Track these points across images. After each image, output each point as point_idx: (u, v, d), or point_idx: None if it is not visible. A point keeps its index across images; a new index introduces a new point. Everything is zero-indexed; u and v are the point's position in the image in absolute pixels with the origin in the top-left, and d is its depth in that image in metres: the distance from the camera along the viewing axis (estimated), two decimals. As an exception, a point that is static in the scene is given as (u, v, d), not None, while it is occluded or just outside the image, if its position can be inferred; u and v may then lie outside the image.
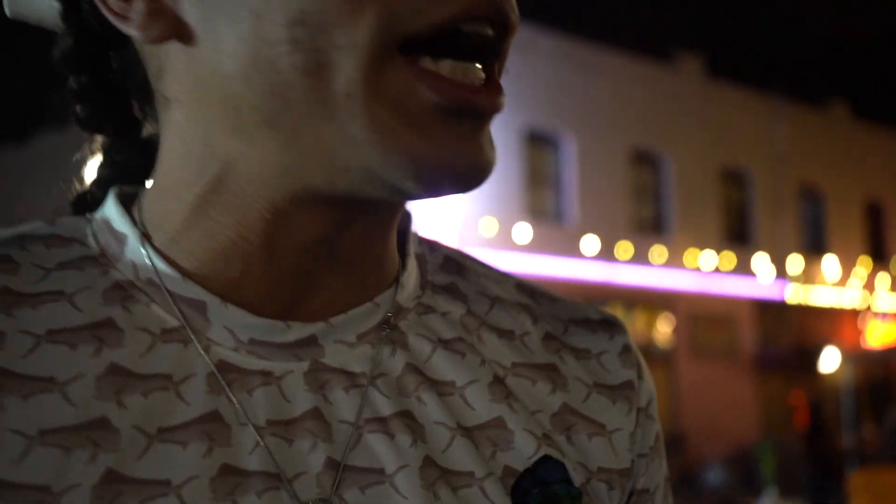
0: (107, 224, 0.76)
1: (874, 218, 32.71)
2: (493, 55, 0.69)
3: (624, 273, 24.32)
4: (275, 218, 0.70)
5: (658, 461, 0.87)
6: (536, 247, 22.27)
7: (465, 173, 0.67)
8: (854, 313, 30.83)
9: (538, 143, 23.62)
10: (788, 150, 29.27)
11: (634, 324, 25.33)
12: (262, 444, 0.68)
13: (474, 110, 0.67)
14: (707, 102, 27.39)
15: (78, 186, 0.91)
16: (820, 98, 32.23)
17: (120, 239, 0.74)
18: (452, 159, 0.66)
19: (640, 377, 0.87)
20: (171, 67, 0.71)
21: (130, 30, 0.70)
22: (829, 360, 27.83)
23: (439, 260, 0.84)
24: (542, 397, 0.79)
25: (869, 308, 31.15)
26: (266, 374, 0.70)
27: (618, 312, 25.09)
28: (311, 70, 0.64)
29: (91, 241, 0.76)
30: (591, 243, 23.56)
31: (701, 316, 26.22)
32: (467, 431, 0.74)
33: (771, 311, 28.06)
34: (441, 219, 21.04)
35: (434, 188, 0.68)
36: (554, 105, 23.76)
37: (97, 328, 0.68)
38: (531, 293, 0.87)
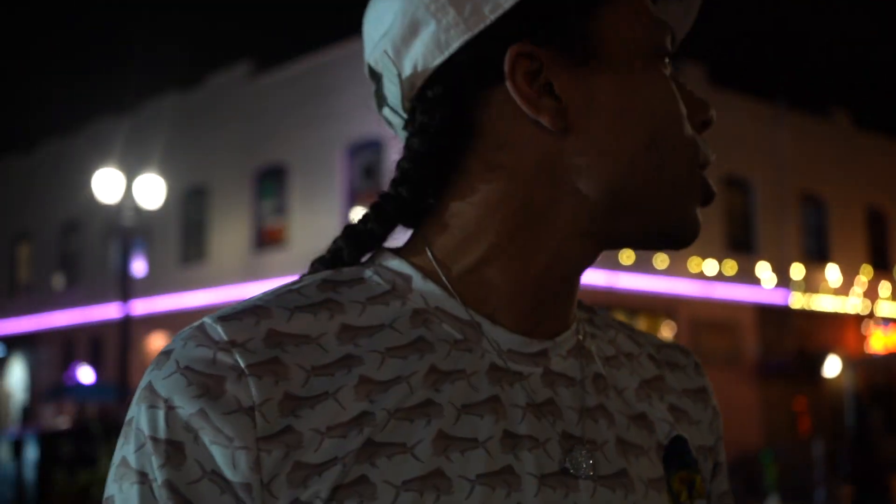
0: (387, 269, 1.06)
1: (876, 225, 32.84)
2: None
3: (626, 280, 24.43)
4: (557, 253, 1.03)
5: (722, 445, 1.22)
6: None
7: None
8: (856, 320, 30.94)
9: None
10: (790, 158, 29.40)
11: (637, 330, 25.45)
12: (527, 418, 1.00)
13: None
14: (709, 110, 27.52)
15: (329, 247, 1.16)
16: (821, 106, 32.37)
17: (405, 278, 1.04)
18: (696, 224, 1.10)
19: (709, 385, 1.23)
20: (521, 143, 1.02)
21: (542, 120, 1.00)
22: (833, 366, 27.99)
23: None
24: (658, 399, 1.14)
25: (871, 314, 31.25)
26: (519, 374, 1.02)
27: (620, 319, 25.23)
28: (656, 169, 1.02)
29: (377, 279, 1.04)
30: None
31: (703, 322, 26.33)
32: (633, 419, 1.08)
33: (773, 318, 28.16)
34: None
35: (686, 241, 1.10)
36: (557, 113, 23.91)
37: (416, 343, 1.00)
38: (622, 325, 1.22)
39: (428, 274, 1.04)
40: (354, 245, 1.11)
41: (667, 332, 25.84)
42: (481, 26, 0.99)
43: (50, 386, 31.62)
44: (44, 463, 10.61)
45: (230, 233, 27.29)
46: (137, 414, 0.92)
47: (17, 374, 36.43)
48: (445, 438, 0.95)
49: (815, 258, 30.25)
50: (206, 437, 0.89)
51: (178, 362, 0.92)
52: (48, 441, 10.82)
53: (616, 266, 24.22)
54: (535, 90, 0.99)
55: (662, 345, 1.21)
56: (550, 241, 1.02)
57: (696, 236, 1.09)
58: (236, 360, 0.91)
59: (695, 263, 25.93)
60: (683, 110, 1.03)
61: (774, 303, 28.21)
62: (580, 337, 1.09)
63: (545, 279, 1.03)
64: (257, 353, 0.92)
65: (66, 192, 32.49)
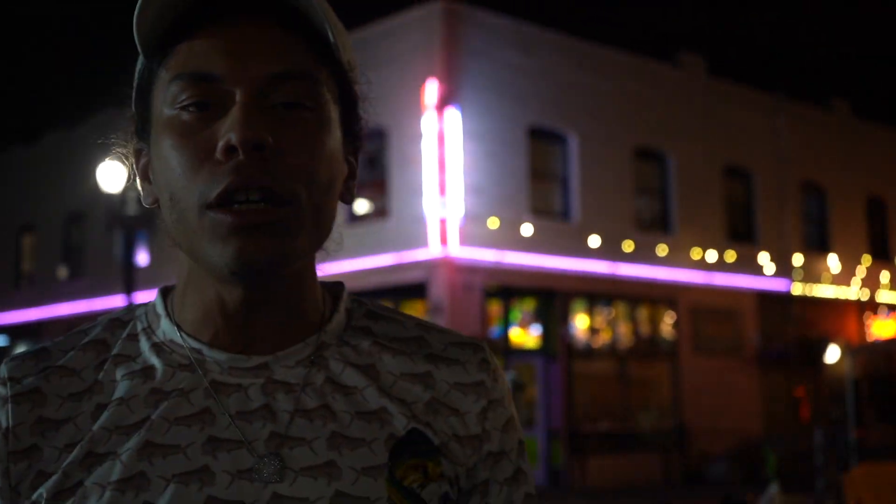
0: (153, 309, 1.32)
1: (876, 214, 32.88)
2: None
3: (627, 269, 24.52)
4: (217, 291, 1.24)
5: (511, 434, 1.33)
6: (541, 244, 22.48)
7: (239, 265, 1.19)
8: (857, 308, 31.01)
9: (543, 140, 23.81)
10: (790, 148, 29.44)
11: (638, 319, 25.54)
12: (232, 424, 1.21)
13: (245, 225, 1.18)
14: (710, 101, 27.57)
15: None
16: (821, 96, 32.39)
17: (158, 317, 1.30)
18: (235, 258, 1.18)
19: (493, 379, 1.34)
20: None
21: (145, 202, 1.32)
22: (833, 354, 28.06)
23: (363, 311, 1.36)
24: (418, 393, 1.29)
25: (871, 302, 31.32)
26: (238, 386, 1.24)
27: (622, 308, 25.34)
28: (178, 219, 1.21)
29: (143, 319, 1.31)
30: (594, 240, 23.76)
31: (704, 311, 26.40)
32: (362, 415, 1.24)
33: (774, 306, 28.23)
34: (447, 220, 21.24)
35: (235, 275, 1.20)
36: (558, 103, 23.95)
37: (145, 370, 1.25)
38: (426, 327, 1.36)
39: (173, 311, 1.31)
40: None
41: (668, 321, 25.93)
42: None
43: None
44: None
45: (233, 223, 27.38)
46: None
47: (22, 364, 36.53)
48: (151, 446, 1.18)
49: (816, 247, 30.32)
50: None
51: None
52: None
53: (617, 255, 24.31)
54: (143, 178, 1.33)
55: (454, 342, 1.35)
56: (198, 281, 1.27)
57: (238, 269, 1.18)
58: (6, 391, 1.24)
59: (696, 253, 26.01)
60: (188, 159, 1.18)
61: (775, 290, 28.29)
62: (318, 348, 1.28)
63: (226, 309, 1.25)
64: (24, 385, 1.24)
65: (70, 183, 32.56)
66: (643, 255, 24.85)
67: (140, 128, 1.29)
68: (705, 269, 26.29)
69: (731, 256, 26.97)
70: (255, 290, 1.23)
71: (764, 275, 27.99)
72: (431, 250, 21.51)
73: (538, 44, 23.81)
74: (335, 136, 1.29)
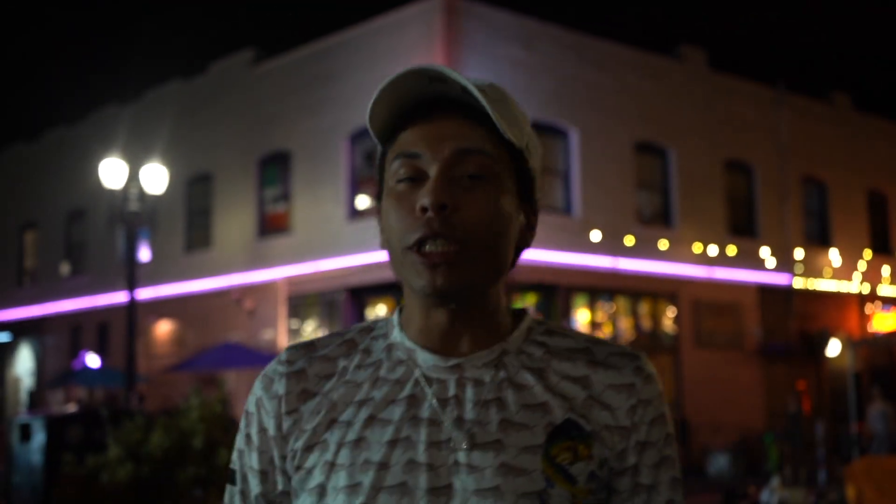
0: (391, 321, 1.74)
1: (877, 208, 32.93)
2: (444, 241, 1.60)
3: (629, 264, 24.56)
4: (426, 308, 1.66)
5: (658, 428, 1.67)
6: (542, 238, 22.46)
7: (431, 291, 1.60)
8: (858, 301, 31.05)
9: (544, 135, 23.82)
10: (791, 142, 29.49)
11: (639, 314, 25.59)
12: (431, 407, 1.61)
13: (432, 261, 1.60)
14: (711, 95, 27.61)
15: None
16: (822, 90, 32.43)
17: (393, 326, 1.72)
18: (427, 285, 1.60)
19: (645, 382, 1.68)
20: None
21: (381, 244, 1.74)
22: (835, 348, 28.09)
23: (543, 329, 1.73)
24: (577, 391, 1.65)
25: (872, 295, 31.36)
26: (439, 380, 1.64)
27: (623, 302, 25.39)
28: (394, 257, 1.66)
29: (383, 327, 1.75)
30: (596, 234, 23.80)
31: (705, 305, 26.45)
32: (528, 406, 1.62)
33: (775, 300, 28.28)
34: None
35: (427, 297, 1.62)
36: (559, 98, 23.98)
37: (376, 363, 1.70)
38: (594, 342, 1.73)
39: (403, 323, 1.73)
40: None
41: (669, 315, 25.98)
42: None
43: (57, 372, 31.83)
44: (51, 447, 10.73)
45: (234, 220, 27.43)
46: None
47: (25, 360, 36.63)
48: (372, 419, 1.62)
49: (817, 241, 30.36)
50: (263, 409, 1.70)
51: (264, 370, 1.74)
52: (55, 426, 10.95)
53: (618, 249, 24.35)
54: (381, 227, 1.74)
55: (615, 353, 1.70)
56: (411, 302, 1.70)
57: (428, 292, 1.60)
58: (284, 370, 1.71)
59: (697, 247, 26.05)
60: (400, 216, 1.63)
61: (776, 284, 28.34)
62: (500, 354, 1.66)
63: (432, 320, 1.66)
64: (294, 366, 1.71)
65: (72, 180, 32.64)
66: (644, 249, 24.90)
67: (379, 192, 1.76)
68: (706, 263, 26.34)
69: (732, 250, 27.02)
70: (449, 306, 1.64)
71: (765, 269, 28.03)
72: (433, 245, 21.54)
73: (539, 38, 23.84)
74: (508, 199, 1.66)
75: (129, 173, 18.82)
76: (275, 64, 26.88)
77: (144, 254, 28.55)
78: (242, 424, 1.74)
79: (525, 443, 1.58)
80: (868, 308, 31.27)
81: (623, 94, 25.30)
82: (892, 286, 32.13)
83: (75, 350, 32.30)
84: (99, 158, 19.50)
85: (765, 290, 28.07)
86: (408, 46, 22.86)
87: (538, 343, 1.70)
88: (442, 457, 1.57)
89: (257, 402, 1.71)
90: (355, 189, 24.04)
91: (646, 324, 25.65)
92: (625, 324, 25.15)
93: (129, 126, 29.15)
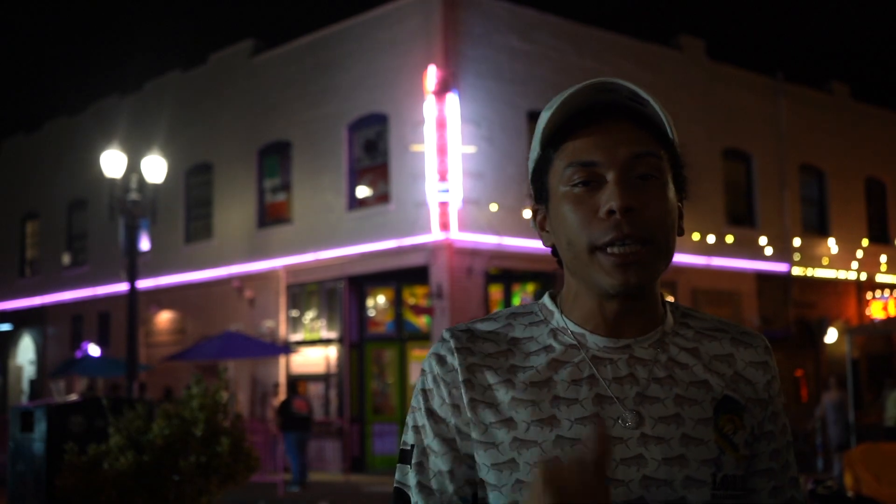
0: (544, 306, 1.89)
1: (875, 196, 32.97)
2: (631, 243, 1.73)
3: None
4: (599, 302, 1.79)
5: (780, 398, 1.90)
6: (541, 227, 22.55)
7: (622, 290, 1.74)
8: (855, 289, 31.11)
9: (542, 125, 23.84)
10: (790, 131, 29.52)
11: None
12: (613, 385, 1.76)
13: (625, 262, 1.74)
14: (710, 84, 27.64)
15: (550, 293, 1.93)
16: (820, 79, 32.45)
17: (551, 311, 1.87)
18: (620, 283, 1.73)
19: (772, 359, 1.89)
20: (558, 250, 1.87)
21: (544, 244, 1.91)
22: (833, 334, 28.14)
23: (679, 312, 1.90)
24: (726, 369, 1.84)
25: (870, 283, 31.42)
26: (611, 360, 1.78)
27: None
28: (573, 256, 1.78)
29: (537, 312, 1.89)
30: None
31: (704, 294, 26.50)
32: (694, 383, 1.79)
33: (773, 288, 28.34)
34: (448, 204, 21.33)
35: (616, 294, 1.75)
36: (558, 87, 23.66)
37: (547, 348, 1.82)
38: (721, 321, 1.92)
39: (562, 309, 1.86)
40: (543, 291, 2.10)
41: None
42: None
43: (58, 362, 31.91)
44: (52, 436, 10.79)
45: (234, 210, 27.47)
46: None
47: (27, 350, 36.72)
48: (557, 399, 1.75)
49: (815, 229, 30.41)
50: (442, 382, 1.80)
51: (431, 351, 1.85)
52: (57, 415, 11.02)
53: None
54: (542, 229, 1.90)
55: (745, 331, 1.91)
56: (585, 293, 1.82)
57: (619, 290, 1.73)
58: (451, 345, 1.82)
59: (696, 235, 26.10)
60: (580, 218, 1.74)
61: (775, 272, 28.39)
62: (661, 336, 1.82)
63: (605, 312, 1.79)
64: (461, 342, 1.82)
65: (73, 170, 32.69)
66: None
67: (537, 196, 1.89)
68: (705, 251, 26.40)
69: (730, 239, 27.08)
70: (627, 302, 1.78)
71: (763, 257, 28.10)
72: (432, 235, 21.62)
73: (538, 28, 23.87)
74: (672, 193, 1.80)
75: (129, 164, 18.92)
76: (274, 54, 26.91)
77: (145, 244, 28.55)
78: (419, 402, 1.83)
79: (699, 416, 1.76)
80: (866, 294, 31.34)
81: (621, 83, 25.29)
82: (890, 274, 32.19)
83: (76, 340, 32.40)
84: (100, 149, 19.58)
85: (763, 279, 28.15)
86: (407, 36, 22.90)
87: (684, 324, 1.88)
88: (629, 430, 1.73)
89: (434, 379, 1.82)
90: (355, 179, 24.09)
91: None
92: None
93: (129, 117, 29.21)
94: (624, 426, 1.73)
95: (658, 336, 1.82)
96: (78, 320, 33.08)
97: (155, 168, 19.06)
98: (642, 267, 1.73)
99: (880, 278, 31.76)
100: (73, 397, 13.03)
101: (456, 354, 1.81)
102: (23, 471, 11.52)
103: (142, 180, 19.01)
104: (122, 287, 23.72)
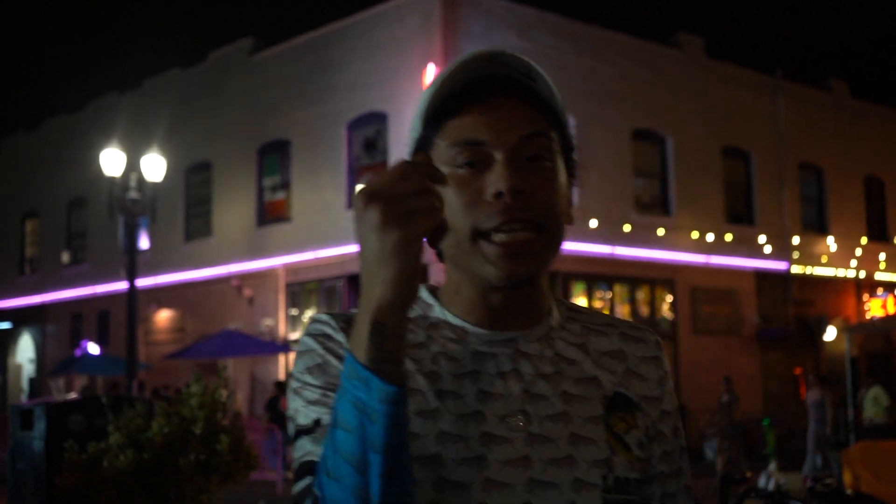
0: (422, 299, 1.73)
1: (874, 194, 32.98)
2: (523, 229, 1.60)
3: (627, 251, 24.62)
4: (482, 294, 1.65)
5: (673, 398, 1.78)
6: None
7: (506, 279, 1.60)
8: (854, 287, 31.13)
9: (541, 123, 23.87)
10: (789, 129, 29.53)
11: (637, 300, 25.67)
12: (497, 380, 1.62)
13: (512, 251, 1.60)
14: (708, 83, 27.65)
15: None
16: (819, 77, 32.46)
17: (429, 304, 1.73)
18: (505, 273, 1.60)
19: (664, 355, 1.80)
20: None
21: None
22: (832, 332, 28.15)
23: (564, 306, 1.77)
24: (617, 365, 1.72)
25: (869, 281, 31.44)
26: (493, 355, 1.65)
27: (621, 289, 25.46)
28: (454, 243, 1.61)
29: (414, 307, 1.69)
30: (594, 222, 23.86)
31: (703, 292, 26.52)
32: (582, 380, 1.67)
33: (772, 287, 28.35)
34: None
35: (501, 285, 1.62)
36: (557, 86, 23.86)
37: (427, 340, 1.67)
38: (610, 317, 1.81)
39: (441, 301, 1.72)
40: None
41: (667, 302, 26.05)
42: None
43: (58, 360, 31.92)
44: (52, 435, 10.80)
45: (234, 208, 27.49)
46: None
47: (26, 348, 36.74)
48: (442, 392, 1.61)
49: (814, 228, 30.43)
50: (324, 348, 1.63)
51: (307, 331, 1.67)
52: (57, 413, 11.03)
53: (616, 237, 24.42)
54: None
55: (634, 326, 1.81)
56: (467, 284, 1.68)
57: (505, 281, 1.61)
58: (333, 324, 1.65)
59: (695, 234, 26.12)
60: (465, 202, 1.60)
61: (774, 270, 28.41)
62: (548, 330, 1.70)
63: (488, 304, 1.66)
64: (340, 324, 1.64)
65: (72, 168, 32.69)
66: (642, 236, 24.97)
67: None
68: (704, 249, 26.41)
69: (729, 237, 27.09)
70: (513, 294, 1.65)
71: (762, 255, 28.10)
72: (431, 233, 21.61)
73: (536, 27, 23.88)
74: (562, 177, 1.70)
75: (128, 162, 18.92)
76: (274, 52, 26.92)
77: (144, 242, 28.61)
78: (301, 369, 1.63)
79: (588, 413, 1.64)
80: (865, 292, 31.36)
81: (621, 82, 25.35)
82: (889, 272, 32.20)
83: (76, 338, 32.41)
84: (99, 147, 19.58)
85: (762, 277, 28.15)
86: (406, 35, 22.91)
87: (572, 319, 1.76)
88: (515, 429, 1.59)
89: (323, 354, 1.62)
90: (354, 177, 24.09)
91: (643, 310, 25.74)
92: (622, 311, 25.22)
93: (128, 115, 29.21)
94: (509, 425, 1.59)
95: (545, 330, 1.70)
96: (77, 318, 33.10)
97: (154, 166, 19.07)
98: (531, 256, 1.60)
99: (879, 276, 31.78)
100: (73, 395, 13.06)
101: (340, 332, 1.63)
102: (22, 469, 11.53)
103: (141, 178, 19.02)
104: (122, 285, 23.71)
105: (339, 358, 1.60)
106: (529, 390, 1.62)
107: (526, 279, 1.62)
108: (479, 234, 1.59)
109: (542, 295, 1.72)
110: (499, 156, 1.60)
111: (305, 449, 1.55)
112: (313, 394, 1.59)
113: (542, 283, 1.70)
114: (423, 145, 1.71)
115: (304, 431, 1.57)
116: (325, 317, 1.67)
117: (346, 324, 1.64)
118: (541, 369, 1.65)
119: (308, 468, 1.52)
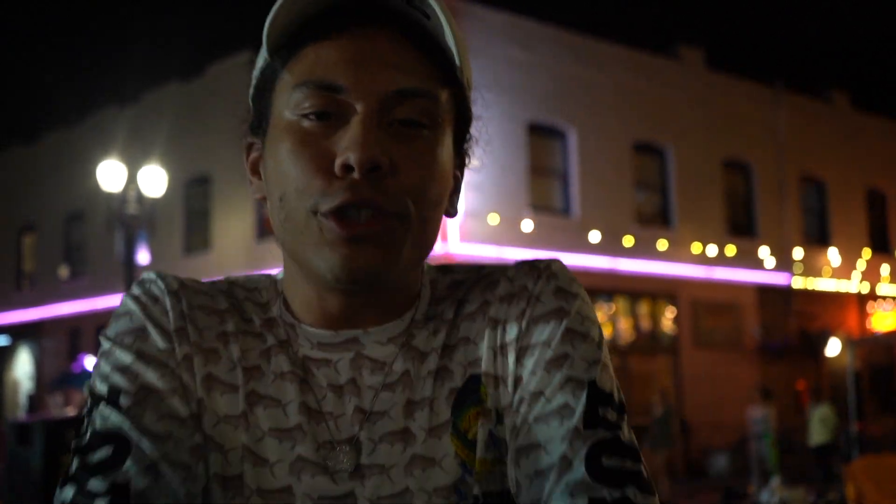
0: (273, 286, 1.37)
1: (876, 206, 32.92)
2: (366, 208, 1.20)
3: (628, 264, 24.54)
4: (317, 293, 1.28)
5: (549, 324, 1.27)
6: (541, 239, 22.50)
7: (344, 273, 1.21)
8: (857, 300, 31.05)
9: (542, 135, 23.83)
10: (790, 141, 29.48)
11: (639, 314, 25.58)
12: (327, 394, 1.26)
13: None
14: (709, 94, 27.59)
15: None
16: (820, 88, 32.41)
17: (275, 294, 1.35)
18: (341, 269, 1.20)
19: (546, 280, 1.32)
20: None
21: (254, 196, 1.38)
22: (834, 347, 28.07)
23: (447, 280, 1.36)
24: (477, 327, 1.29)
25: (872, 294, 31.36)
26: (327, 361, 1.28)
27: (622, 303, 25.36)
28: (285, 218, 1.24)
29: (263, 293, 1.37)
30: (595, 235, 23.78)
31: (704, 305, 26.43)
32: (427, 377, 1.28)
33: (774, 300, 28.27)
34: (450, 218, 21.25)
35: (337, 284, 1.22)
36: (557, 98, 23.96)
37: (262, 336, 1.30)
38: (499, 267, 1.36)
39: (286, 292, 1.35)
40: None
41: (668, 315, 25.97)
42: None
43: (56, 375, 31.80)
44: (49, 450, 10.73)
45: (233, 222, 27.42)
46: None
47: (24, 363, 36.64)
48: (255, 395, 1.26)
49: (816, 240, 30.35)
50: (149, 318, 1.36)
51: (133, 287, 1.42)
52: (54, 428, 10.94)
53: (617, 250, 24.34)
54: (253, 173, 1.39)
55: (515, 265, 1.35)
56: (298, 275, 1.31)
57: (342, 279, 1.21)
58: (161, 285, 1.38)
59: (696, 247, 26.04)
60: (304, 165, 1.20)
61: (775, 283, 28.33)
62: (408, 325, 1.30)
63: (325, 307, 1.29)
64: (172, 287, 1.36)
65: (70, 182, 32.60)
66: (643, 249, 24.88)
67: (255, 124, 1.35)
68: (705, 263, 26.33)
69: (731, 250, 27.00)
70: (355, 297, 1.26)
71: (764, 268, 28.02)
72: (432, 246, 21.53)
73: (536, 39, 23.83)
74: (447, 154, 1.28)
75: (127, 175, 18.82)
76: (273, 65, 26.87)
77: (143, 256, 28.53)
78: (116, 332, 1.38)
79: (431, 422, 1.25)
80: (867, 306, 31.28)
81: (621, 94, 25.29)
82: (892, 285, 32.12)
83: (74, 353, 32.27)
84: (97, 160, 19.49)
85: (764, 290, 28.06)
86: (406, 47, 22.85)
87: (445, 298, 1.34)
88: (339, 457, 1.23)
89: (140, 308, 1.35)
90: (354, 190, 24.01)
91: (645, 324, 25.63)
92: (624, 324, 25.13)
93: (127, 128, 29.12)
94: (333, 450, 1.23)
95: (402, 327, 1.29)
96: (76, 333, 32.98)
97: (154, 179, 18.97)
98: (380, 245, 1.20)
99: (882, 289, 31.69)
100: (71, 411, 12.98)
101: (168, 297, 1.32)
102: (20, 484, 11.44)
103: (140, 192, 18.92)
104: (121, 300, 23.60)
105: (160, 327, 1.29)
106: (366, 408, 1.25)
107: (370, 280, 1.21)
108: (316, 212, 1.20)
109: (402, 294, 1.31)
110: (360, 109, 1.19)
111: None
112: (122, 359, 1.32)
113: (405, 283, 1.30)
114: (267, 78, 1.30)
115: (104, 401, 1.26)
116: (151, 275, 1.39)
117: (181, 288, 1.35)
118: (389, 377, 1.26)
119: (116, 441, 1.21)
